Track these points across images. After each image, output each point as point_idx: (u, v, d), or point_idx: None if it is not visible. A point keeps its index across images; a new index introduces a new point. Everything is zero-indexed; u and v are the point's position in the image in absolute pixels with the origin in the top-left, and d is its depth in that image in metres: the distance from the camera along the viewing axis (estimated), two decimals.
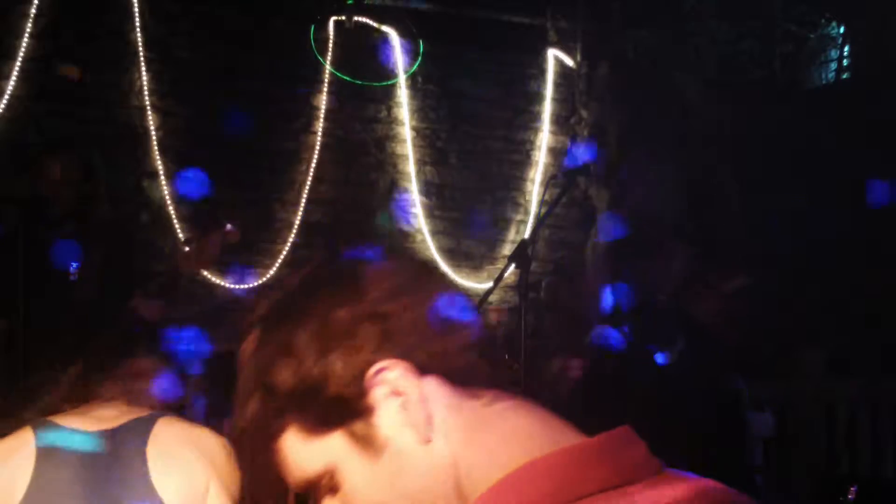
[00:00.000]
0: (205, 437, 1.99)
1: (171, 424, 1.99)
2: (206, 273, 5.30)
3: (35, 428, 1.96)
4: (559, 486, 0.77)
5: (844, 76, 6.40)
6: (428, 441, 0.81)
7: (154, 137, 5.28)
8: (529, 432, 0.82)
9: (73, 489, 1.91)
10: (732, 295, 3.66)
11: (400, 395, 0.81)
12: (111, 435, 1.95)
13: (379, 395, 0.81)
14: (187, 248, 3.81)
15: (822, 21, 6.36)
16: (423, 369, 0.82)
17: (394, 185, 5.84)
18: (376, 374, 0.81)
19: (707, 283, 3.63)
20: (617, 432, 0.82)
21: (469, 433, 0.82)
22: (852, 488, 4.04)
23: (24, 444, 1.94)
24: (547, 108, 6.16)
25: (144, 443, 1.94)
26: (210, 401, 2.33)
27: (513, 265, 3.49)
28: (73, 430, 1.96)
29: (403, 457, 0.81)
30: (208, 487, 1.95)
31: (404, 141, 5.85)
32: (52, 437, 1.94)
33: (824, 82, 6.49)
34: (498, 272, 4.13)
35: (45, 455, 1.92)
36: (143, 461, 1.92)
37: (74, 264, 3.97)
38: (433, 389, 0.82)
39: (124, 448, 1.94)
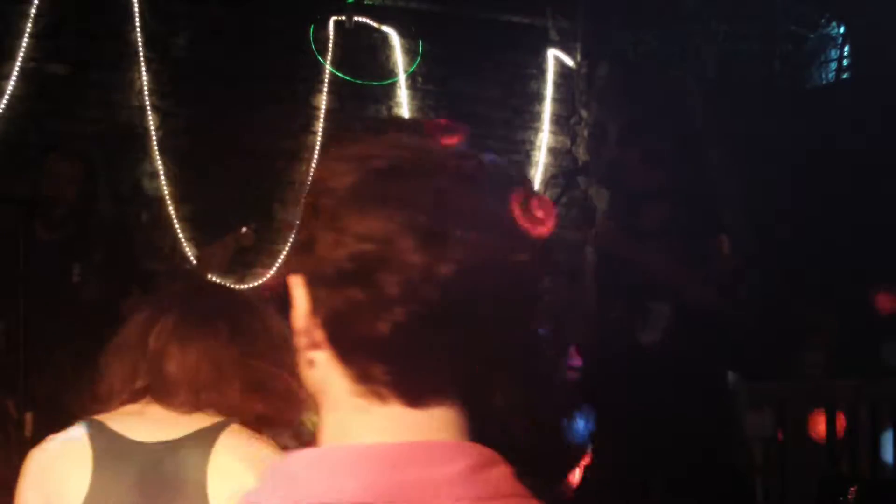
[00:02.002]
0: (265, 455, 1.85)
1: (232, 438, 1.86)
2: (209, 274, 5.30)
3: (88, 430, 1.86)
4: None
5: (844, 76, 6.40)
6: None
7: (154, 137, 5.28)
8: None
9: (130, 501, 1.82)
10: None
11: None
12: (173, 448, 1.84)
13: None
14: (203, 252, 3.82)
15: (822, 21, 6.35)
16: None
17: None
18: None
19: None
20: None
21: None
22: (852, 488, 4.04)
23: (79, 448, 1.85)
24: (547, 108, 6.16)
25: (206, 461, 1.83)
26: None
27: None
28: (132, 441, 1.85)
29: None
30: None
31: None
32: (109, 444, 1.85)
33: (824, 82, 6.48)
34: None
35: (103, 464, 1.83)
36: (204, 482, 1.82)
37: (77, 265, 3.98)
38: None
39: (185, 465, 1.83)
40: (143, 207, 5.26)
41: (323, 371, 0.82)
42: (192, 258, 5.06)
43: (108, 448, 1.84)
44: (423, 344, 0.76)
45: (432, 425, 0.79)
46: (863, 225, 5.49)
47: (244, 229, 4.01)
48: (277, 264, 5.51)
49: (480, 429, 0.80)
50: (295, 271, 0.82)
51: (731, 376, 4.85)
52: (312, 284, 0.80)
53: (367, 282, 0.75)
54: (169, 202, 5.29)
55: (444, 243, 0.75)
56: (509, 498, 0.77)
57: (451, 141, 0.82)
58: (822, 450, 5.22)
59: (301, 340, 0.83)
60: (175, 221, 5.29)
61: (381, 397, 0.79)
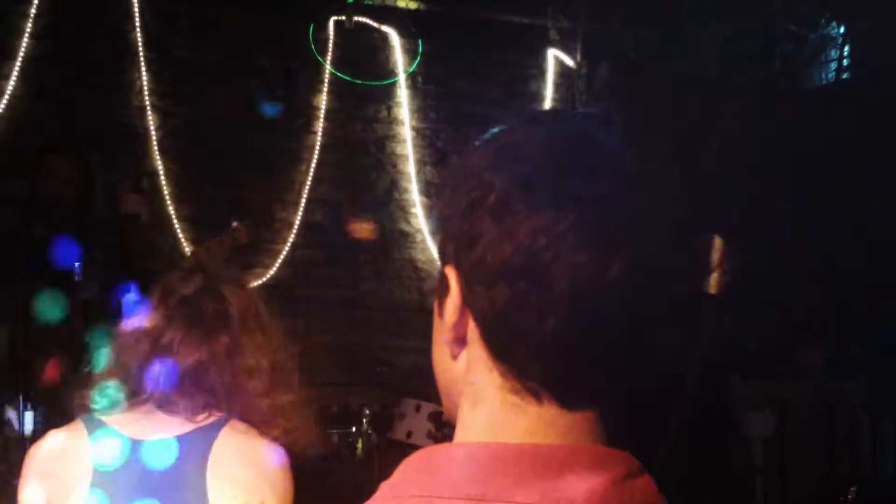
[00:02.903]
0: (262, 451, 1.91)
1: (231, 436, 1.90)
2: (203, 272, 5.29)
3: (88, 427, 1.89)
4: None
5: (844, 76, 6.40)
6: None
7: (154, 137, 5.28)
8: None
9: (131, 499, 1.84)
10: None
11: None
12: (173, 444, 1.88)
13: None
14: (197, 249, 3.82)
15: (822, 21, 6.35)
16: None
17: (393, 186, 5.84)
18: None
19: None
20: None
21: None
22: (852, 488, 4.04)
23: (80, 444, 1.88)
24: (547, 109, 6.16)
25: (206, 458, 1.86)
26: None
27: None
28: (132, 439, 1.88)
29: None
30: None
31: (404, 141, 5.85)
32: (111, 444, 1.87)
33: (824, 82, 6.48)
34: None
35: (103, 461, 1.86)
36: (204, 476, 1.85)
37: (77, 264, 3.98)
38: None
39: (185, 460, 1.86)
40: (143, 207, 5.26)
41: (470, 366, 0.81)
42: (187, 255, 5.06)
43: (109, 445, 1.86)
44: (585, 343, 0.76)
45: (582, 428, 0.78)
46: (863, 225, 5.49)
47: (235, 224, 3.99)
48: (278, 264, 5.52)
49: (625, 434, 0.80)
50: (452, 264, 0.80)
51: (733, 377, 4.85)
52: (471, 278, 0.78)
53: (534, 278, 0.75)
54: (169, 202, 5.29)
55: (614, 243, 0.75)
56: None
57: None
58: (822, 450, 5.23)
59: (448, 333, 0.81)
60: (175, 221, 5.30)
61: (536, 395, 0.78)
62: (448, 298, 0.80)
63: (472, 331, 0.80)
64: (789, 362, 5.67)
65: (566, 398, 0.78)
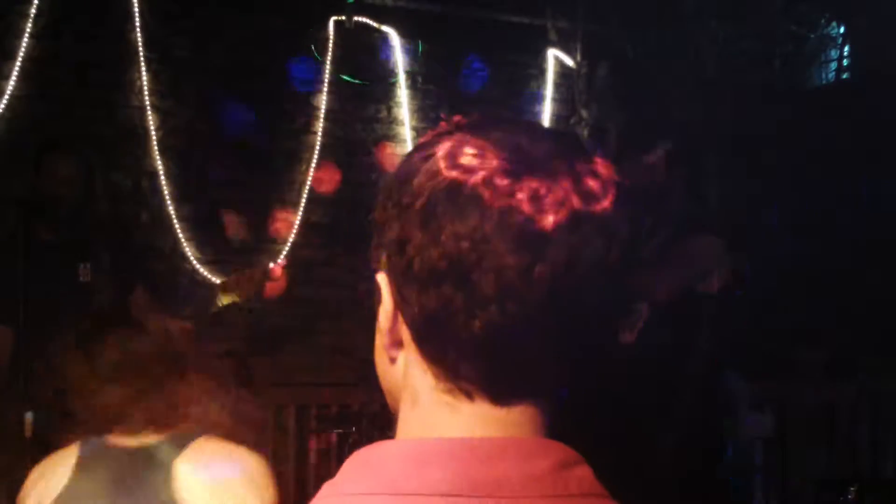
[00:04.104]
0: (244, 455, 2.06)
1: (209, 442, 2.07)
2: (206, 273, 5.30)
3: (81, 443, 2.08)
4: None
5: (844, 76, 6.40)
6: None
7: (154, 137, 5.28)
8: None
9: (101, 494, 2.01)
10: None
11: None
12: (150, 449, 2.05)
13: None
14: (227, 281, 3.81)
15: (822, 21, 6.35)
16: None
17: None
18: None
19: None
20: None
21: None
22: (852, 488, 4.04)
23: (67, 458, 2.07)
24: (547, 108, 6.16)
25: (178, 459, 2.02)
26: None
27: None
28: (115, 444, 2.06)
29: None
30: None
31: (404, 141, 5.85)
32: (93, 448, 2.06)
33: (824, 82, 6.49)
34: None
35: (83, 466, 2.04)
36: (173, 474, 2.01)
37: (82, 265, 3.98)
38: None
39: (156, 460, 2.02)
40: (143, 207, 5.26)
41: (407, 369, 0.83)
42: (216, 284, 5.03)
43: (92, 450, 2.05)
44: (515, 343, 0.77)
45: (518, 422, 0.79)
46: (863, 224, 5.49)
47: (271, 265, 3.99)
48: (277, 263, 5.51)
49: (561, 426, 0.81)
50: (382, 270, 0.82)
51: (732, 376, 4.85)
52: (401, 283, 0.79)
53: (461, 282, 0.76)
54: (169, 202, 5.29)
55: (541, 243, 0.75)
56: (592, 497, 0.78)
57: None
58: (822, 450, 5.23)
59: (384, 338, 0.83)
60: (175, 221, 5.30)
61: (468, 394, 0.79)
62: (381, 305, 0.82)
63: (406, 335, 0.81)
64: (789, 362, 5.67)
65: (499, 396, 0.79)
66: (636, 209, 0.81)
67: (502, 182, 0.76)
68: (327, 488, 0.81)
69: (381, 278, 0.82)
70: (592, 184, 0.78)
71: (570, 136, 0.85)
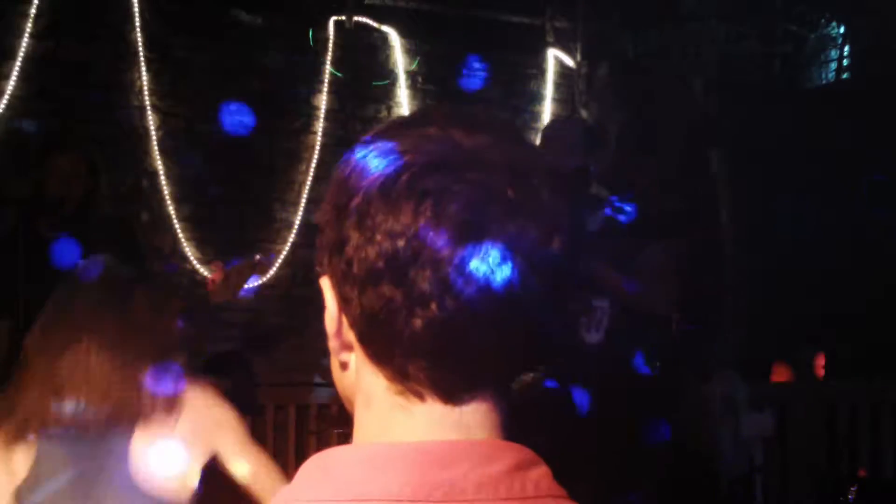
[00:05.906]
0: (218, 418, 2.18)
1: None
2: (206, 273, 5.30)
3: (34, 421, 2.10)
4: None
5: (844, 76, 6.40)
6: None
7: (154, 137, 5.28)
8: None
9: (68, 461, 2.05)
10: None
11: None
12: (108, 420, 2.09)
13: None
14: (216, 278, 3.81)
15: (822, 21, 6.36)
16: None
17: None
18: None
19: None
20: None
21: None
22: (852, 488, 4.04)
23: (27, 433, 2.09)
24: (547, 108, 6.16)
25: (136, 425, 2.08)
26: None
27: None
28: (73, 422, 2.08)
29: None
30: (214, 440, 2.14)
31: None
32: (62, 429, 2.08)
33: (824, 82, 6.49)
34: None
35: (48, 437, 2.07)
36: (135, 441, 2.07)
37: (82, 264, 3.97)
38: None
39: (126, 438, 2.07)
40: (143, 207, 5.26)
41: (358, 371, 0.81)
42: (205, 275, 5.03)
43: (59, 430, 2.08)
44: (458, 339, 0.76)
45: (472, 423, 0.78)
46: (863, 225, 5.50)
47: (258, 257, 4.00)
48: (277, 264, 5.52)
49: (515, 425, 0.80)
50: (324, 273, 0.81)
51: (731, 375, 4.85)
52: (342, 285, 0.78)
53: (400, 279, 0.75)
54: (169, 202, 5.29)
55: (476, 236, 0.74)
56: (549, 498, 0.77)
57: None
58: (822, 450, 5.23)
59: (332, 342, 0.82)
60: (175, 221, 5.30)
61: (419, 395, 0.78)
62: (326, 309, 0.81)
63: (353, 338, 0.80)
64: (789, 362, 5.67)
65: (450, 396, 0.78)
66: (574, 199, 0.81)
67: (434, 177, 0.75)
68: (283, 493, 0.80)
69: (324, 282, 0.81)
70: (529, 174, 0.77)
71: (508, 126, 0.84)
